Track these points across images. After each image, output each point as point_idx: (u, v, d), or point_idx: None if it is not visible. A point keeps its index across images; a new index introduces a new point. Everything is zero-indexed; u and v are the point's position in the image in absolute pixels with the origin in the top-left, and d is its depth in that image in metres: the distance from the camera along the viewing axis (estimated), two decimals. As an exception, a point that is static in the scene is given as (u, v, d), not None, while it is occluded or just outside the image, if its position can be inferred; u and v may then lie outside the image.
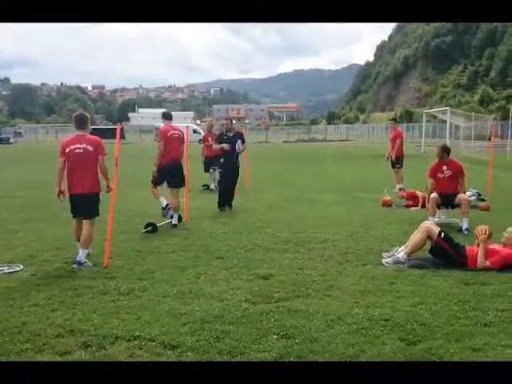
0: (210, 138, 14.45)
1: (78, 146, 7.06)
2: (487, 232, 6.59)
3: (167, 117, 9.98)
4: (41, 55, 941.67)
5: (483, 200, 11.82)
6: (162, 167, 9.48)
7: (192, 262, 6.91)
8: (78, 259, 6.83)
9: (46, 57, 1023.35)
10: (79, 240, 7.10)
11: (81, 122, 7.28)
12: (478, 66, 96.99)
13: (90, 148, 7.07)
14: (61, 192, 7.24)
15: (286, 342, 4.29)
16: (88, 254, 7.01)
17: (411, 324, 4.65)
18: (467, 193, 11.26)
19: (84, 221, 7.14)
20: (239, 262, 6.92)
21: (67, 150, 7.08)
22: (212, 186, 14.93)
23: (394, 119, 16.61)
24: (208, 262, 6.92)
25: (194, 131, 61.68)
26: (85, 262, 6.84)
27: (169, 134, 9.54)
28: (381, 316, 4.84)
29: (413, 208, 11.49)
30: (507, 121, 37.76)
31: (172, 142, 9.55)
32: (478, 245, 6.62)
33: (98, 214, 7.22)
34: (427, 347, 4.17)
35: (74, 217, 7.25)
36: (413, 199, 11.86)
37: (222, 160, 11.44)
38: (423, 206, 10.92)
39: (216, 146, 11.43)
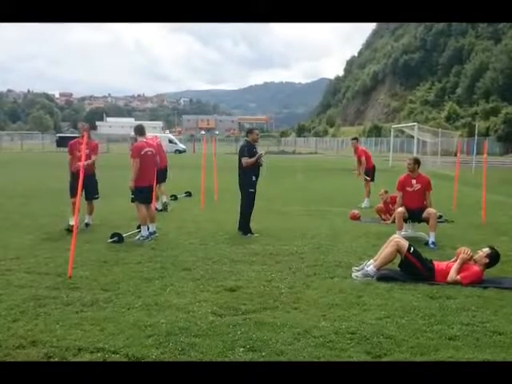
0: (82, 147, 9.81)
1: (149, 149, 9.33)
2: (470, 255, 6.71)
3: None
4: (8, 61, 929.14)
5: (447, 221, 11.58)
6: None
7: (158, 273, 6.81)
8: (152, 230, 9.29)
9: (13, 63, 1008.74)
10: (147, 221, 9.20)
11: (143, 131, 9.53)
12: (446, 83, 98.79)
13: (153, 150, 9.50)
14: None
15: (253, 355, 4.25)
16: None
17: (377, 337, 4.66)
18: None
19: (148, 205, 9.38)
20: (206, 273, 6.85)
21: (142, 152, 9.15)
22: (88, 220, 10.47)
23: (356, 138, 16.31)
24: (174, 274, 6.83)
25: (170, 141, 61.52)
26: (155, 231, 9.35)
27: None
28: (347, 329, 4.84)
29: (385, 221, 11.54)
30: (473, 137, 38.60)
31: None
32: (456, 260, 6.72)
33: None
34: (393, 360, 4.18)
35: (139, 202, 9.19)
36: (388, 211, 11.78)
37: (253, 178, 9.81)
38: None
39: (252, 160, 9.68)
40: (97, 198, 10.52)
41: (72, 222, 9.17)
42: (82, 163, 8.25)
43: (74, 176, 9.77)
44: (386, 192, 11.98)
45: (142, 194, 9.27)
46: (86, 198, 10.30)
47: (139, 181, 9.16)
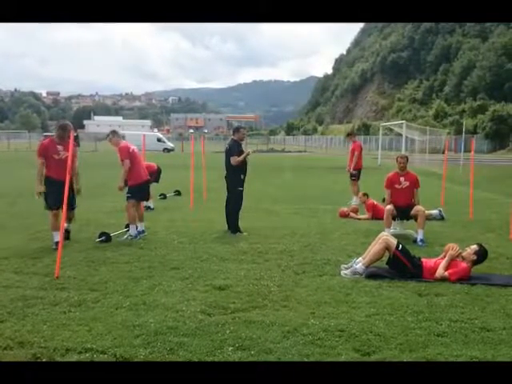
0: (61, 147, 8.39)
1: (133, 146, 9.27)
2: (457, 251, 6.74)
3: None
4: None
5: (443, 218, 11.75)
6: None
7: (146, 273, 6.78)
8: (141, 229, 9.22)
9: (1, 61, 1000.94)
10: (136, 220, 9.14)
11: (119, 134, 9.58)
12: (433, 81, 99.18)
13: (136, 148, 9.42)
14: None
15: (242, 354, 4.23)
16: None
17: (366, 334, 4.67)
18: (435, 211, 11.53)
19: (140, 203, 9.39)
20: (195, 272, 6.83)
21: (130, 150, 9.12)
22: (68, 227, 8.71)
23: (349, 134, 16.34)
24: (163, 273, 6.80)
25: (159, 140, 61.10)
26: (143, 230, 9.27)
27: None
28: (336, 327, 4.84)
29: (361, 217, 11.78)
30: (460, 135, 38.80)
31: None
32: (444, 256, 6.75)
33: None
34: (381, 357, 4.19)
35: (136, 200, 9.20)
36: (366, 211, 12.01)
37: (242, 176, 9.81)
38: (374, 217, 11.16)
39: (241, 158, 9.62)
40: (75, 207, 8.86)
41: (57, 239, 7.77)
42: (69, 169, 7.24)
43: (53, 183, 8.30)
44: (365, 195, 12.39)
45: (141, 191, 9.28)
46: (69, 208, 7.99)
47: (135, 178, 9.11)
